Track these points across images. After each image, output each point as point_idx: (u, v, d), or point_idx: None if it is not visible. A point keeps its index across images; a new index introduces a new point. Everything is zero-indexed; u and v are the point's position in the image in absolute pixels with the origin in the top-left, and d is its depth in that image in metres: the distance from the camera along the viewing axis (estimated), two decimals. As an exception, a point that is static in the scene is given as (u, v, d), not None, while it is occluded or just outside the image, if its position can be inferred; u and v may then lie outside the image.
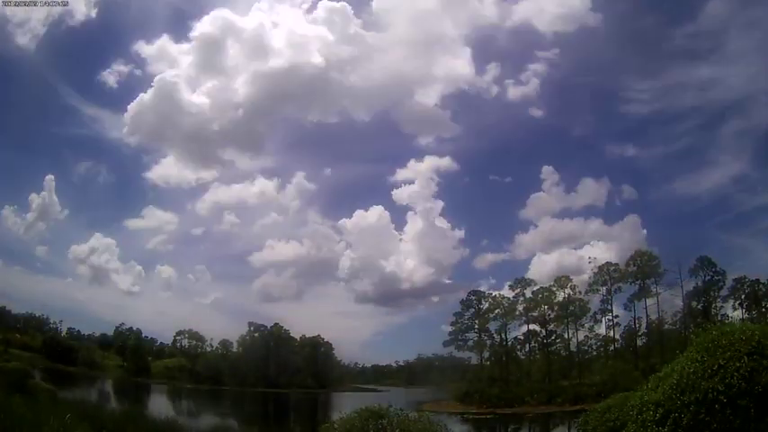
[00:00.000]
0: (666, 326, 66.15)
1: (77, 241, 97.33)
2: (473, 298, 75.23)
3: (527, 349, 75.08)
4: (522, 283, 73.91)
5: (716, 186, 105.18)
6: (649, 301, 67.23)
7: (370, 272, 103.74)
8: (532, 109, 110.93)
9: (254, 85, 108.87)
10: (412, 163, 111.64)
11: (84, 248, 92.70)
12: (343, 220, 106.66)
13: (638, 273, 67.41)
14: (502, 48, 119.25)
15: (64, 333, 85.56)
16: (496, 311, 74.15)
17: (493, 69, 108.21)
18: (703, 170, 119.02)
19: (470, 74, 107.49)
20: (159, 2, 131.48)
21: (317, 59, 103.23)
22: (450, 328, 74.14)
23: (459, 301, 75.67)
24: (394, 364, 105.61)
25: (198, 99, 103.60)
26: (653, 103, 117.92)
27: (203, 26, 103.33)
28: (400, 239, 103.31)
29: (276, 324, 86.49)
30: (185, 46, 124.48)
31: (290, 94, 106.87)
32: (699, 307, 64.90)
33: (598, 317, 69.98)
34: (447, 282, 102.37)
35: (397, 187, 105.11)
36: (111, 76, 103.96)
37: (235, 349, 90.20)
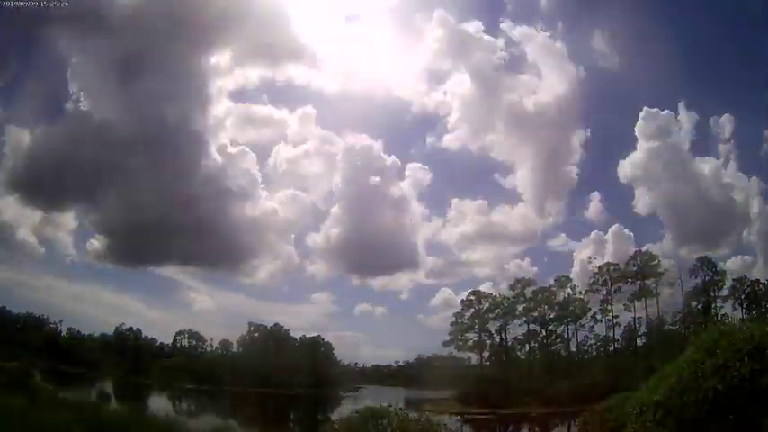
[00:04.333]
0: (666, 326, 66.25)
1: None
2: (473, 298, 75.39)
3: (527, 349, 75.26)
4: (523, 282, 74.16)
5: None
6: (649, 301, 67.50)
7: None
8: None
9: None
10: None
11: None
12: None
13: (638, 273, 67.58)
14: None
15: (64, 333, 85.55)
16: (496, 311, 74.34)
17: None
18: None
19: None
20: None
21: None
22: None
23: (460, 301, 76.06)
24: (394, 364, 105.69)
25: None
26: None
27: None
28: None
29: (276, 324, 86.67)
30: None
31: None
32: (699, 307, 64.99)
33: (598, 317, 70.20)
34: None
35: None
36: None
37: (234, 349, 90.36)
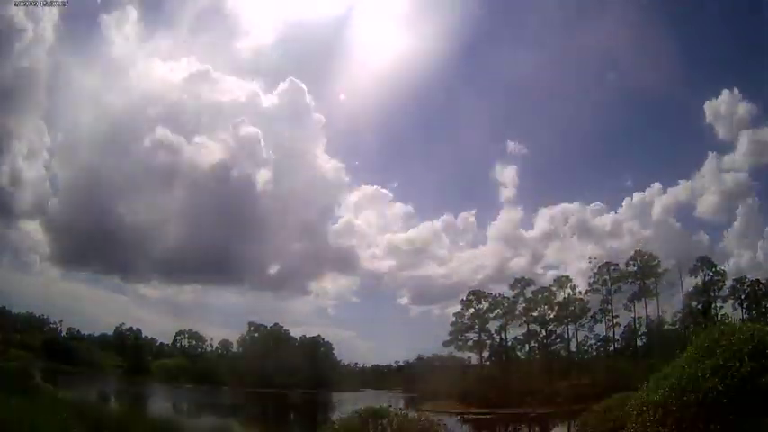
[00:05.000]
0: (666, 326, 66.30)
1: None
2: (473, 298, 75.34)
3: (527, 349, 75.23)
4: (522, 282, 74.12)
5: None
6: (649, 301, 67.53)
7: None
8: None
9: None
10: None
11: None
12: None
13: (639, 273, 67.61)
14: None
15: (64, 333, 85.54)
16: (496, 311, 74.34)
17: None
18: None
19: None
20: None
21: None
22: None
23: (460, 301, 76.06)
24: (394, 365, 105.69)
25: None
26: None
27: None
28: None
29: (276, 324, 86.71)
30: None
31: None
32: (699, 307, 65.00)
33: (598, 317, 70.16)
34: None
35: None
36: None
37: (234, 349, 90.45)
